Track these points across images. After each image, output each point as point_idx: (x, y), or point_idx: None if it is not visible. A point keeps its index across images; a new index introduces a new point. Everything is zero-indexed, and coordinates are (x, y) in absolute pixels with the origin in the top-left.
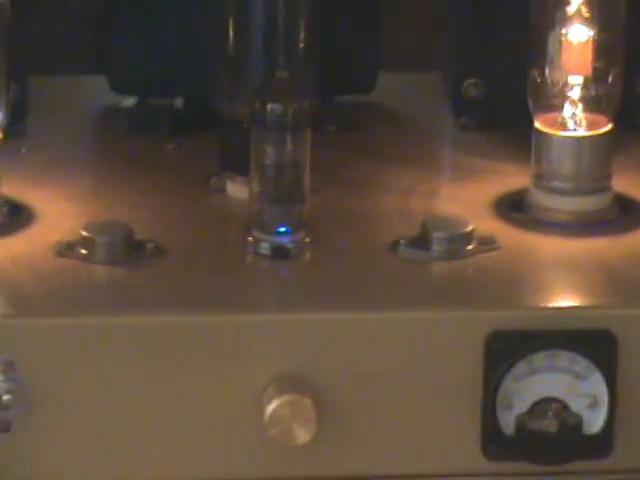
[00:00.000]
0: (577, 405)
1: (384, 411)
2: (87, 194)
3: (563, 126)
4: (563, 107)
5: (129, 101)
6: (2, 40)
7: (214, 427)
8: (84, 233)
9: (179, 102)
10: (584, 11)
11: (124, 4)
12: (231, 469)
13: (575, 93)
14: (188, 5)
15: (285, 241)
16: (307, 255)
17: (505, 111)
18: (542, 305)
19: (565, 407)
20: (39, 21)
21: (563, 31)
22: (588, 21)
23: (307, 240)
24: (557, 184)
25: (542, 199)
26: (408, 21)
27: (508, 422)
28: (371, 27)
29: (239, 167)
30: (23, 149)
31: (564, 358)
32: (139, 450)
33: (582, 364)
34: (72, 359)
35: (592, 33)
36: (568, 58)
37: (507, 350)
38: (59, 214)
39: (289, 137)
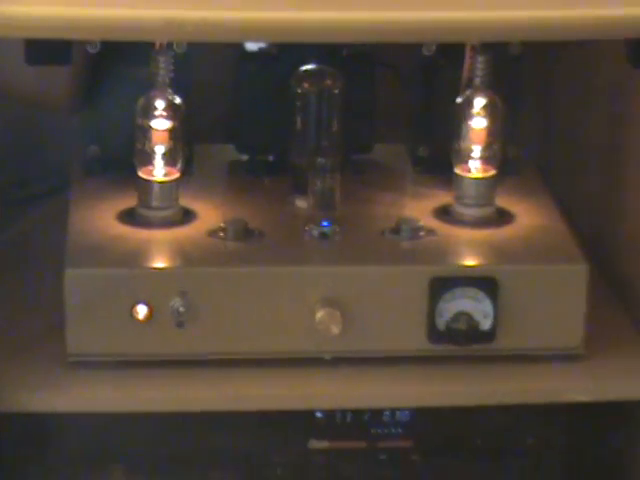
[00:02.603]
0: (476, 315)
1: (370, 319)
2: (223, 206)
3: (469, 171)
4: (469, 161)
5: (244, 157)
6: (181, 125)
7: (284, 318)
8: (222, 225)
9: (271, 158)
10: (482, 113)
11: (248, 93)
12: (294, 347)
13: (476, 154)
14: (282, 97)
15: (325, 229)
16: (336, 237)
17: (440, 163)
18: (460, 262)
19: (470, 316)
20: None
21: (469, 122)
22: (483, 115)
23: (337, 229)
24: (467, 201)
25: (459, 209)
26: (389, 115)
27: (441, 324)
28: (369, 118)
29: (303, 191)
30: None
31: (471, 291)
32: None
33: (480, 295)
34: (216, 285)
35: (485, 123)
36: (472, 136)
37: (440, 287)
38: (210, 215)
39: (328, 178)
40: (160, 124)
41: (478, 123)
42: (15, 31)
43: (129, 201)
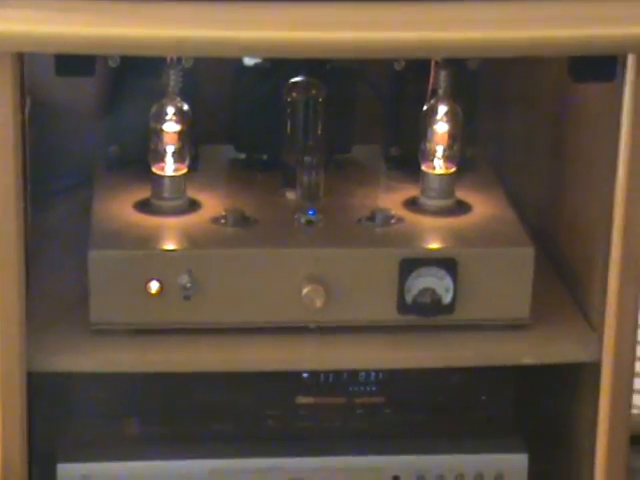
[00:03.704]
0: (439, 291)
1: (349, 294)
2: (224, 197)
3: (434, 168)
4: (433, 160)
5: (242, 156)
6: (189, 128)
7: (275, 293)
8: (223, 213)
9: (265, 156)
10: (444, 119)
11: (246, 101)
12: (284, 317)
13: (439, 154)
14: (274, 105)
15: (311, 217)
16: (320, 224)
17: (409, 161)
18: (425, 246)
19: (434, 291)
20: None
21: (434, 127)
22: (445, 121)
23: (321, 218)
24: (431, 194)
25: (425, 201)
26: (366, 120)
27: (409, 298)
28: (349, 122)
29: (292, 185)
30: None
31: (434, 270)
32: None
33: (442, 273)
34: (218, 265)
35: (447, 128)
36: (436, 138)
37: (408, 266)
38: (212, 205)
39: (313, 174)
40: (170, 127)
41: (441, 127)
42: (48, 47)
43: (144, 193)
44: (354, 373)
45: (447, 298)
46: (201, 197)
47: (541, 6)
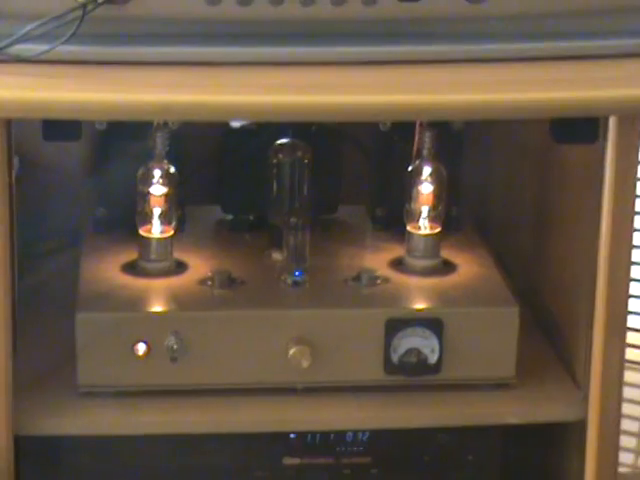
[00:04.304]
0: (425, 350)
1: (335, 354)
2: (211, 258)
3: (419, 229)
4: (419, 220)
5: (229, 217)
6: (175, 190)
7: (262, 354)
8: (210, 274)
9: (252, 217)
10: (429, 179)
11: (232, 162)
12: (271, 379)
13: (424, 214)
14: (261, 166)
15: (298, 278)
16: (307, 285)
17: (394, 222)
18: (411, 306)
19: (420, 351)
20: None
21: (419, 187)
22: (430, 181)
23: (307, 278)
24: (417, 254)
25: (410, 261)
26: (352, 180)
27: (395, 358)
28: (334, 183)
29: (279, 245)
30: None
31: (420, 330)
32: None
33: (428, 333)
34: (205, 326)
35: (432, 188)
36: (421, 199)
37: (394, 326)
38: (199, 266)
39: (300, 235)
40: (157, 190)
41: (426, 188)
42: (34, 113)
43: (131, 255)
44: (341, 433)
45: (433, 358)
46: (188, 258)
47: (522, 69)
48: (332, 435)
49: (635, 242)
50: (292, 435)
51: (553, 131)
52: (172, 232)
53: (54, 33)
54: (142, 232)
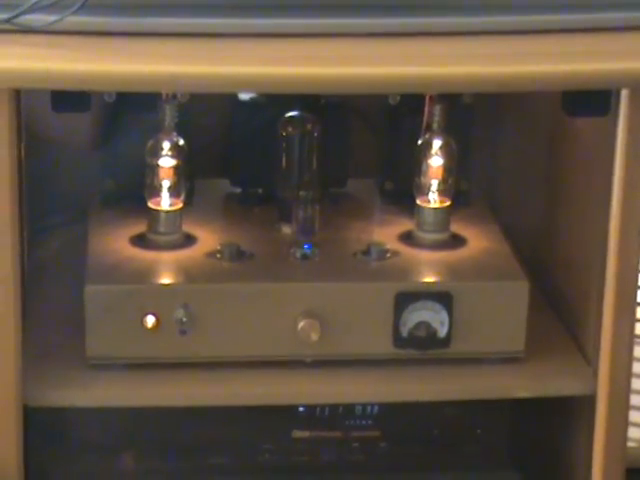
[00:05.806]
0: (434, 324)
1: (345, 327)
2: (219, 232)
3: (428, 202)
4: (428, 193)
5: (238, 190)
6: (184, 162)
7: (271, 327)
8: (218, 247)
9: (261, 190)
10: (438, 153)
11: (241, 135)
12: (280, 351)
13: (434, 188)
14: (270, 139)
15: (307, 251)
16: (316, 258)
17: (403, 195)
18: (420, 280)
19: (429, 325)
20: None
21: (428, 161)
22: (440, 155)
23: (316, 252)
24: (426, 228)
25: (420, 234)
26: (361, 154)
27: (404, 331)
28: (343, 157)
29: (288, 219)
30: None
31: (429, 304)
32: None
33: (437, 307)
34: (214, 299)
35: (442, 162)
36: (430, 173)
37: (404, 300)
38: (208, 239)
39: (309, 208)
40: (166, 162)
41: (435, 161)
42: (43, 83)
43: (140, 227)
44: (350, 407)
45: (442, 332)
46: (197, 231)
47: (534, 41)
48: (341, 408)
49: None
50: (301, 408)
51: (565, 104)
52: (181, 205)
53: (63, 3)
54: (151, 205)
